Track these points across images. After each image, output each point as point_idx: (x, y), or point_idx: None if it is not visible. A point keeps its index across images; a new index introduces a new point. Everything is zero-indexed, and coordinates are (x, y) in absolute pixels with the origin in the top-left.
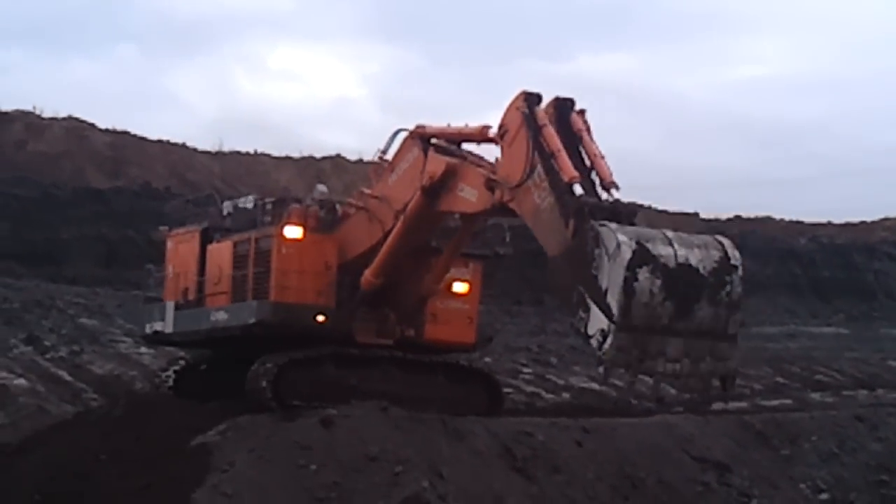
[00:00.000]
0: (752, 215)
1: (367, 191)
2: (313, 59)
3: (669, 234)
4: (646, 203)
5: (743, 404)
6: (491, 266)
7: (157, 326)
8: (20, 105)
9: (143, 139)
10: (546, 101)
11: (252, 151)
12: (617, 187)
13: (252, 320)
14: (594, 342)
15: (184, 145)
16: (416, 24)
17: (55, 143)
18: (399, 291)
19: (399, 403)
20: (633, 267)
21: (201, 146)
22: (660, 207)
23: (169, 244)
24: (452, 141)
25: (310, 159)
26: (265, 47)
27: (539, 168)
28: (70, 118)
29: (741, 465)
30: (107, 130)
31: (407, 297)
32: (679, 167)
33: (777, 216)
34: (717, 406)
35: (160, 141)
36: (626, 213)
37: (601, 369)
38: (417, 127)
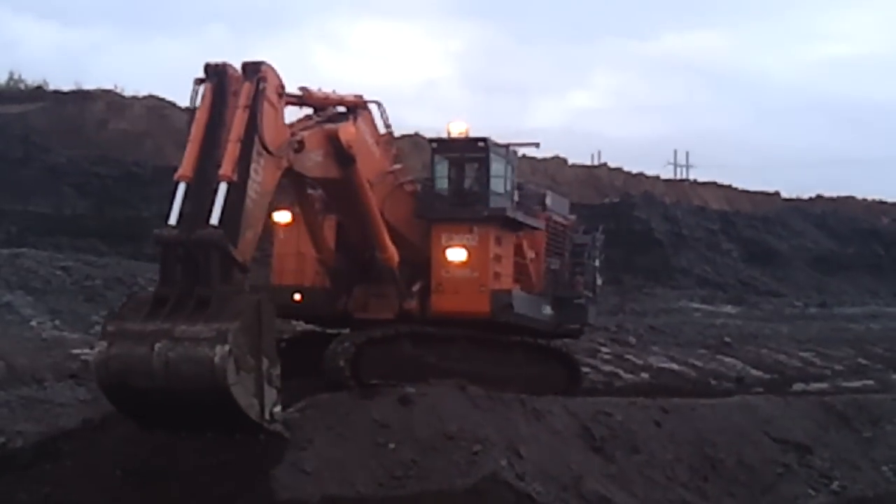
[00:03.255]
0: (834, 195)
1: None
2: (396, 36)
3: (156, 362)
4: (727, 182)
5: (824, 385)
6: None
7: None
8: (104, 84)
9: None
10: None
11: None
12: (229, 183)
13: None
14: None
15: None
16: (501, 1)
17: (136, 122)
18: (372, 266)
19: (477, 382)
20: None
21: None
22: (741, 187)
23: None
24: None
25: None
26: (347, 25)
27: None
28: (151, 97)
29: (822, 447)
30: (187, 109)
31: (378, 271)
32: (763, 146)
33: (859, 196)
34: (798, 387)
35: None
36: (207, 244)
37: None
38: None
